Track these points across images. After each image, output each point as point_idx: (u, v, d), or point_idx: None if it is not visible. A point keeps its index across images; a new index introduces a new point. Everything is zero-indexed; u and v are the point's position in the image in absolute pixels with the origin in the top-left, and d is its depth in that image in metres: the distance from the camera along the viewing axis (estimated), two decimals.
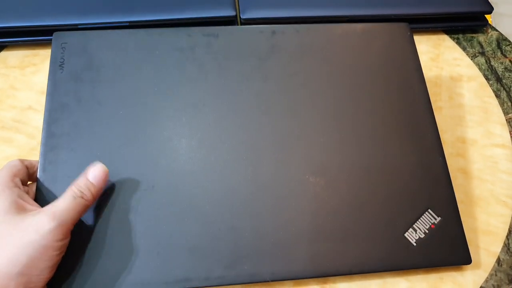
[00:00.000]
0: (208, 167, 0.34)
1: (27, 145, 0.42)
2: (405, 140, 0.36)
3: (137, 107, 0.36)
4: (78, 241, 0.31)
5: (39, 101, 0.46)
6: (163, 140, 0.35)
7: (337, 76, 0.39)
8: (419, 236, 0.33)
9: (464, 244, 0.34)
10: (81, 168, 0.31)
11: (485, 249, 0.37)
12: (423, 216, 0.34)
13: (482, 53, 0.54)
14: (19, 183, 0.31)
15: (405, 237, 0.33)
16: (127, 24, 0.50)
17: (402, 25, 0.43)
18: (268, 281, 0.31)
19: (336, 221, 0.33)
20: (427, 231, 0.33)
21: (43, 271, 0.27)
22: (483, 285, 0.35)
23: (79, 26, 0.49)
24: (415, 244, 0.33)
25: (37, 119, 0.44)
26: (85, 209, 0.30)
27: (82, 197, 0.29)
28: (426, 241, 0.33)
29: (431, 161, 0.36)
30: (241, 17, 0.51)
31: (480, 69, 0.52)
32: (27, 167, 0.33)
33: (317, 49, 0.40)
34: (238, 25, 0.54)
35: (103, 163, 0.32)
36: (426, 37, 0.56)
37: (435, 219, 0.34)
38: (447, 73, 0.51)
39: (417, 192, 0.34)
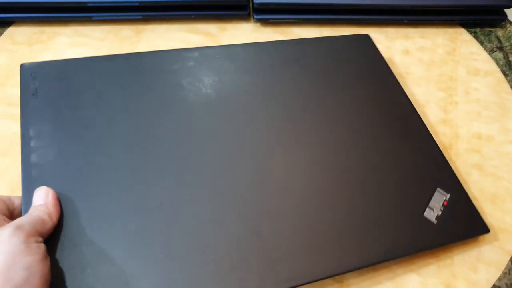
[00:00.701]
0: (216, 182, 0.33)
1: None
2: (396, 134, 0.39)
3: (124, 128, 0.35)
4: (85, 260, 0.29)
5: None
6: (166, 156, 0.34)
7: (317, 87, 0.41)
8: (437, 214, 0.34)
9: (478, 215, 0.35)
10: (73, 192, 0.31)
11: (500, 247, 0.36)
12: (434, 195, 0.35)
13: (500, 48, 0.52)
14: None
15: (425, 217, 0.34)
16: (137, 4, 0.49)
17: (363, 35, 0.47)
18: (307, 283, 0.30)
19: (358, 215, 0.33)
20: (442, 208, 0.35)
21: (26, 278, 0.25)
22: (496, 283, 0.34)
23: (88, 5, 0.48)
24: (435, 222, 0.34)
25: None
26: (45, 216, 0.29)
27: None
28: (444, 218, 0.34)
29: (425, 147, 0.38)
30: (254, 1, 0.50)
31: (497, 64, 0.51)
32: (5, 203, 0.30)
33: (290, 63, 0.42)
34: (250, 10, 0.53)
35: (91, 189, 0.31)
36: (443, 30, 0.54)
37: (446, 195, 0.35)
38: (463, 67, 0.50)
39: (422, 176, 0.36)
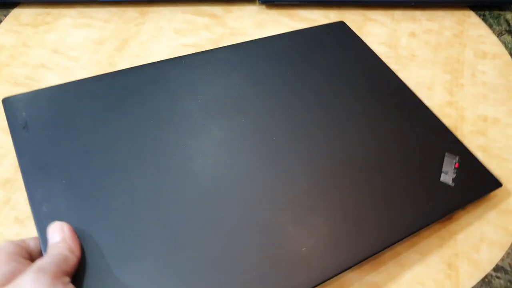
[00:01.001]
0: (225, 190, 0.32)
1: None
2: (394, 112, 0.39)
3: (127, 147, 0.33)
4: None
5: (52, 59, 0.45)
6: (177, 167, 0.33)
7: (307, 79, 0.40)
8: (452, 177, 0.35)
9: (488, 172, 0.36)
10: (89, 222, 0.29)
11: (503, 227, 0.36)
12: (445, 161, 0.36)
13: (509, 31, 0.52)
14: (16, 258, 0.26)
15: (442, 182, 0.35)
16: None
17: (339, 23, 0.47)
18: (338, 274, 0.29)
19: (377, 197, 0.33)
20: (455, 170, 0.36)
21: None
22: (499, 263, 0.34)
23: None
24: (453, 184, 0.35)
25: (49, 77, 0.44)
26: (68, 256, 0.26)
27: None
28: (460, 179, 0.35)
29: (422, 118, 0.39)
30: None
31: (506, 47, 0.50)
32: (21, 246, 0.27)
33: (275, 60, 0.41)
34: None
35: (109, 215, 0.29)
36: (450, 12, 0.54)
37: (455, 158, 0.36)
38: (470, 50, 0.50)
39: (428, 146, 0.37)
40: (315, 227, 0.31)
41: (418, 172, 0.35)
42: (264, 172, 0.33)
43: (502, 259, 0.35)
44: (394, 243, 0.32)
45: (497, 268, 0.34)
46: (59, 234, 0.26)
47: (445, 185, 0.35)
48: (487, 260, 0.34)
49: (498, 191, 0.37)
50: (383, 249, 0.31)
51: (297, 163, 0.34)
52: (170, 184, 0.32)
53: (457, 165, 0.36)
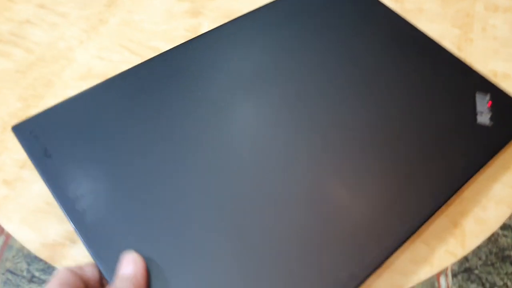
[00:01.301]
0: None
1: (25, 60, 0.40)
2: (416, 59, 0.37)
3: (165, 149, 0.30)
4: None
5: (37, 15, 0.43)
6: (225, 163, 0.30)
7: (327, 40, 0.38)
8: (488, 117, 0.34)
9: None
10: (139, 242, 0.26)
11: (511, 186, 0.35)
12: (477, 101, 0.35)
13: None
14: None
15: (479, 124, 0.33)
16: None
17: None
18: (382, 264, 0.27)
19: (425, 147, 0.32)
20: (489, 109, 0.34)
21: None
22: (506, 222, 0.33)
23: None
24: (491, 124, 0.33)
25: (36, 34, 0.41)
26: None
27: None
28: (495, 117, 0.34)
29: (445, 60, 0.37)
30: None
31: None
32: (77, 274, 0.25)
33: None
34: None
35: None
36: None
37: (486, 96, 0.35)
38: (481, 3, 0.47)
39: (457, 88, 0.36)
40: (373, 192, 0.29)
41: (454, 118, 0.34)
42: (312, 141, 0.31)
43: (510, 217, 0.33)
44: (456, 191, 0.30)
45: (504, 227, 0.33)
46: (131, 267, 0.24)
47: (483, 126, 0.33)
48: (494, 218, 0.33)
49: (505, 148, 0.36)
50: (447, 200, 0.30)
51: (338, 125, 0.32)
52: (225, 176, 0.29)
53: (490, 103, 0.35)
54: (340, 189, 0.29)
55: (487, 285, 0.31)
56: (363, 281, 0.26)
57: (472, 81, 0.36)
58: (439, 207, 0.29)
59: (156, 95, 0.33)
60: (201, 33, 0.37)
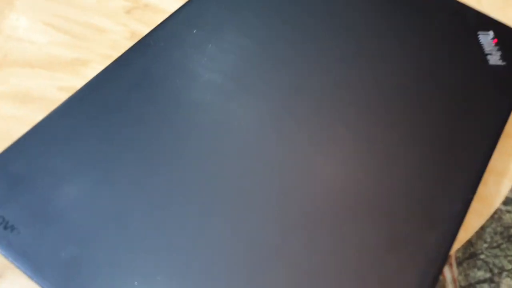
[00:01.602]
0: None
1: None
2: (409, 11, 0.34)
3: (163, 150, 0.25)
4: None
5: None
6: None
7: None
8: (498, 56, 0.31)
9: None
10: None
11: (509, 154, 0.31)
12: (481, 41, 0.32)
13: None
14: None
15: (491, 65, 0.31)
16: None
17: None
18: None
19: (449, 105, 0.29)
20: (495, 47, 0.32)
21: None
22: (508, 195, 0.30)
23: None
24: (503, 63, 0.31)
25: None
26: None
27: None
28: (505, 55, 0.31)
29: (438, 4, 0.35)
30: None
31: None
32: None
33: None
34: None
35: None
36: None
37: (489, 34, 0.32)
38: None
39: (460, 33, 0.33)
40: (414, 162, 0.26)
41: (467, 68, 0.31)
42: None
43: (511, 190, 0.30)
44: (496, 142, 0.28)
45: (506, 201, 0.30)
46: None
47: (496, 67, 0.31)
48: (495, 192, 0.30)
49: None
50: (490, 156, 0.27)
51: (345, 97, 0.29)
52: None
53: (495, 40, 0.32)
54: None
55: (495, 270, 0.28)
56: None
57: (470, 20, 0.34)
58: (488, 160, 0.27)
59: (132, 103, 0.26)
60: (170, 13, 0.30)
